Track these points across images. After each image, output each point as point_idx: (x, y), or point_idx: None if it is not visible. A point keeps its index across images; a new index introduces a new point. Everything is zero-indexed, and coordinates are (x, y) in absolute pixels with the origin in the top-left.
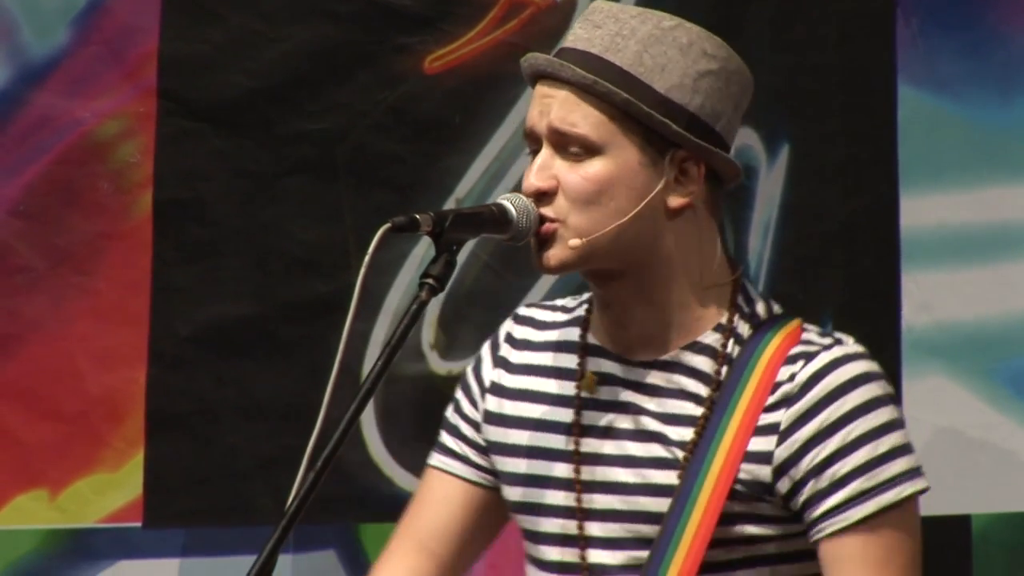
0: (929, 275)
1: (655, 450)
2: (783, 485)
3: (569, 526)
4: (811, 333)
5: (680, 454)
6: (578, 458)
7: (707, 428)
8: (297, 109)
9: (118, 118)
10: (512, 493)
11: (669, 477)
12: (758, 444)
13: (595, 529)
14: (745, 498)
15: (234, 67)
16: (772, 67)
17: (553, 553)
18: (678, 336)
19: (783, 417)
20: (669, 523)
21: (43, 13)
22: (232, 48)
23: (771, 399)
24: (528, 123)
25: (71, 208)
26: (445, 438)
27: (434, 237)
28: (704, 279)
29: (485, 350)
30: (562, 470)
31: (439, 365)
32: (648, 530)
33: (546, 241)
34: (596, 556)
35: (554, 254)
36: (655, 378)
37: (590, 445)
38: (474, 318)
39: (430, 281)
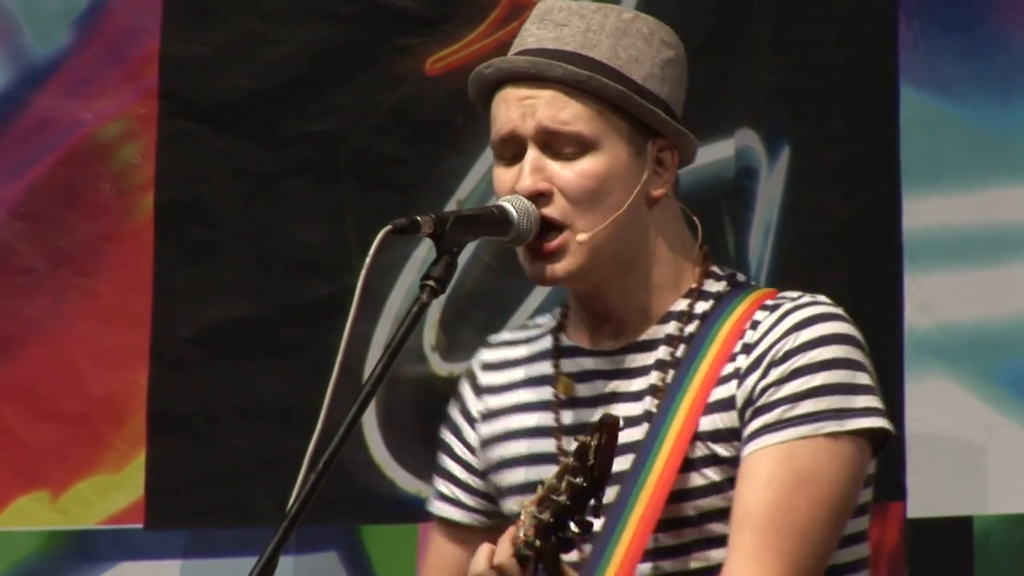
0: (931, 276)
1: (630, 434)
2: (742, 424)
3: None
4: (786, 292)
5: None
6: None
7: (670, 387)
8: (298, 110)
9: (119, 120)
10: (510, 504)
11: (634, 435)
12: (720, 393)
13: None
14: (705, 460)
15: (235, 68)
16: (773, 68)
17: None
18: (653, 313)
19: (744, 362)
20: (627, 483)
21: (44, 15)
22: (233, 49)
23: (736, 348)
24: (506, 127)
25: (72, 209)
26: (439, 483)
27: (435, 239)
28: (678, 260)
29: (464, 387)
30: (548, 473)
31: (440, 367)
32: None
33: (553, 252)
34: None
35: (564, 263)
36: (634, 360)
37: (570, 444)
38: (475, 319)
39: (431, 283)
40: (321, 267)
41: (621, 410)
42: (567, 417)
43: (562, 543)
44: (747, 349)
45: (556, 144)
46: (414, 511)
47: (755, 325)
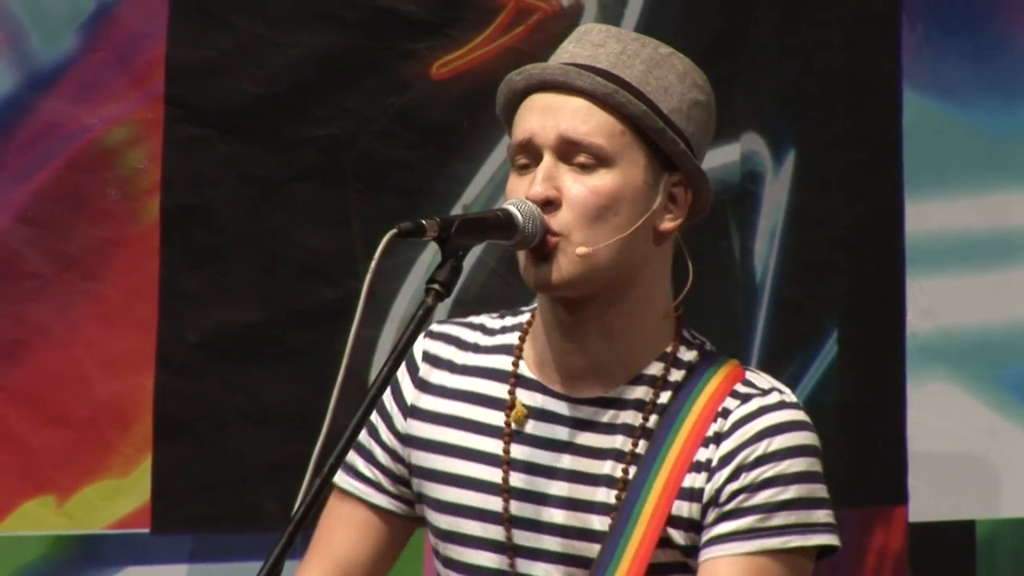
0: (934, 281)
1: (590, 492)
2: (704, 519)
3: (500, 561)
4: (752, 374)
5: (613, 495)
6: (507, 492)
7: (644, 460)
8: (304, 115)
9: (126, 124)
10: (439, 520)
11: (604, 523)
12: (692, 480)
13: (529, 567)
14: (674, 546)
15: (241, 73)
16: (777, 72)
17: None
18: (626, 368)
19: (715, 454)
20: (600, 565)
21: (51, 19)
22: (239, 54)
23: (708, 433)
24: (525, 133)
25: (79, 214)
26: (358, 463)
27: (440, 242)
28: (662, 310)
29: (402, 372)
30: (492, 503)
31: None
32: (576, 573)
33: (547, 255)
34: None
35: (557, 269)
36: (598, 415)
37: (520, 480)
38: None
39: (436, 287)
40: (327, 272)
41: (581, 464)
42: (517, 451)
43: None
44: (717, 439)
45: (573, 155)
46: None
47: (726, 414)
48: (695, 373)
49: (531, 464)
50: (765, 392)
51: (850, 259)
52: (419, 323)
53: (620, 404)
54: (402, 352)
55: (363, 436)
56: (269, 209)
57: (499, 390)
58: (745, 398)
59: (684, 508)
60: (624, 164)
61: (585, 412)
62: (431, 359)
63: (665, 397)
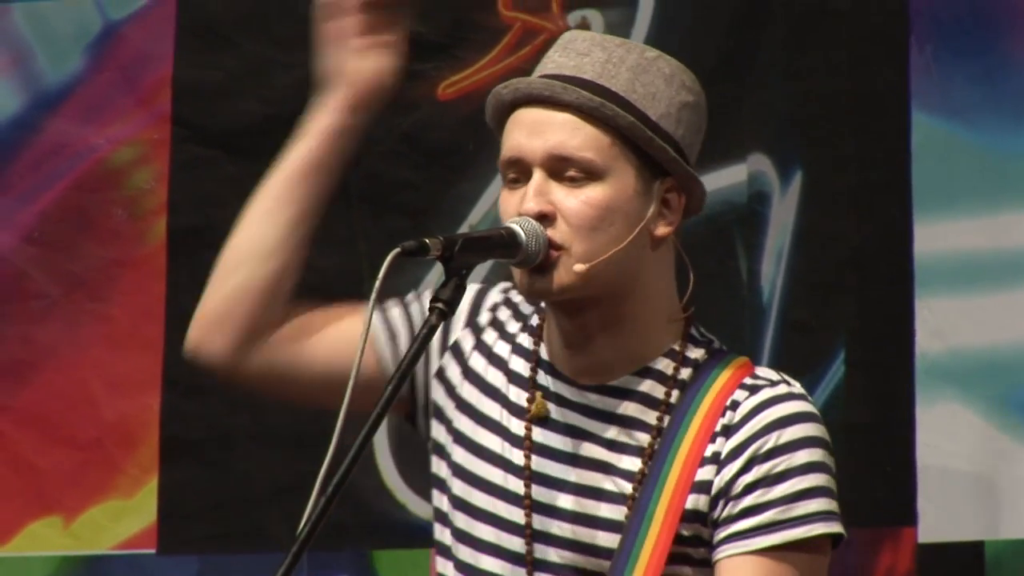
0: (942, 301)
1: (602, 481)
2: (713, 513)
3: (514, 542)
4: (761, 369)
5: (628, 487)
6: (529, 475)
7: (655, 458)
8: None
9: (132, 145)
10: (454, 485)
11: (616, 512)
12: (703, 474)
13: (544, 553)
14: (689, 539)
15: (248, 94)
16: (785, 93)
17: (491, 564)
18: (629, 363)
19: (724, 447)
20: (619, 560)
21: (58, 40)
22: (246, 75)
23: (717, 428)
24: (513, 151)
25: (85, 235)
26: (393, 312)
27: (444, 261)
28: (668, 311)
29: (463, 304)
30: (513, 483)
31: None
32: (591, 564)
33: (545, 268)
34: None
35: (557, 280)
36: (603, 404)
37: (539, 464)
38: None
39: (440, 305)
40: (333, 292)
41: (591, 451)
42: (536, 434)
43: None
44: (727, 432)
45: (563, 169)
46: (426, 536)
47: (735, 406)
48: (703, 370)
49: (546, 447)
50: (774, 383)
51: (858, 280)
52: (423, 342)
53: (626, 394)
54: (406, 371)
55: (410, 299)
56: None
57: (524, 368)
58: (753, 389)
59: (692, 501)
60: (614, 175)
61: (588, 398)
62: (494, 322)
63: (675, 396)
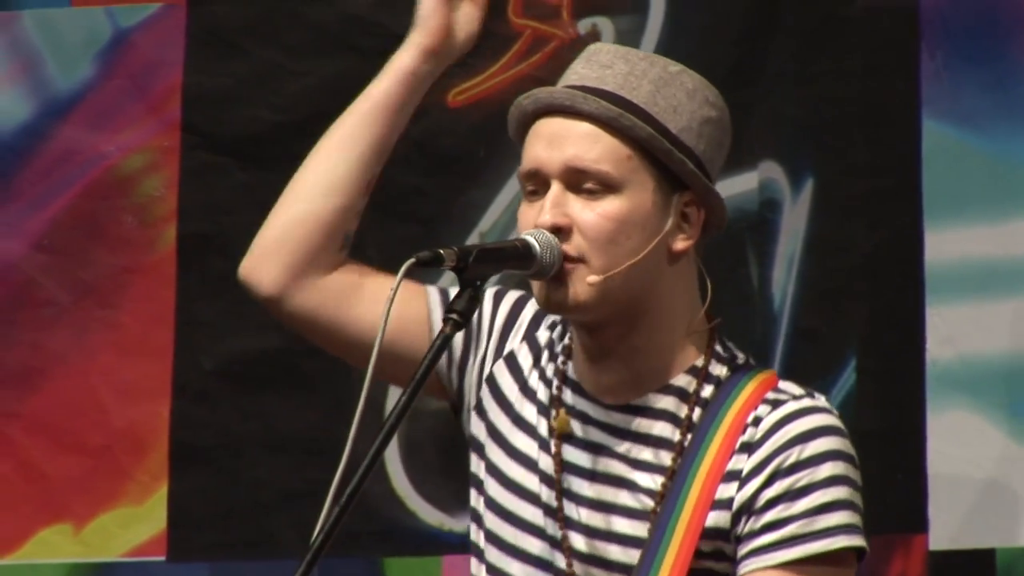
0: (953, 308)
1: (624, 498)
2: (736, 528)
3: (548, 552)
4: (785, 383)
5: (650, 503)
6: (559, 492)
7: (676, 476)
8: None
9: (142, 152)
10: (493, 490)
11: (637, 528)
12: (724, 491)
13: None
14: (707, 554)
15: (258, 101)
16: (796, 100)
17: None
18: (651, 380)
19: (746, 463)
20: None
21: (68, 47)
22: (256, 82)
23: (738, 443)
24: (532, 163)
25: (95, 242)
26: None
27: (458, 272)
28: (689, 326)
29: (527, 316)
30: (546, 495)
31: None
32: None
33: (561, 280)
34: None
35: (573, 293)
36: (626, 422)
37: (567, 481)
38: None
39: (454, 316)
40: None
41: (612, 467)
42: (564, 451)
43: None
44: (749, 449)
45: (581, 181)
46: (437, 543)
47: (757, 422)
48: (725, 387)
49: (572, 464)
50: (797, 397)
51: (869, 287)
52: (437, 352)
53: (647, 412)
54: (420, 381)
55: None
56: None
57: (554, 387)
58: (776, 404)
59: (714, 518)
60: (632, 188)
61: (612, 418)
62: (533, 341)
63: (697, 414)
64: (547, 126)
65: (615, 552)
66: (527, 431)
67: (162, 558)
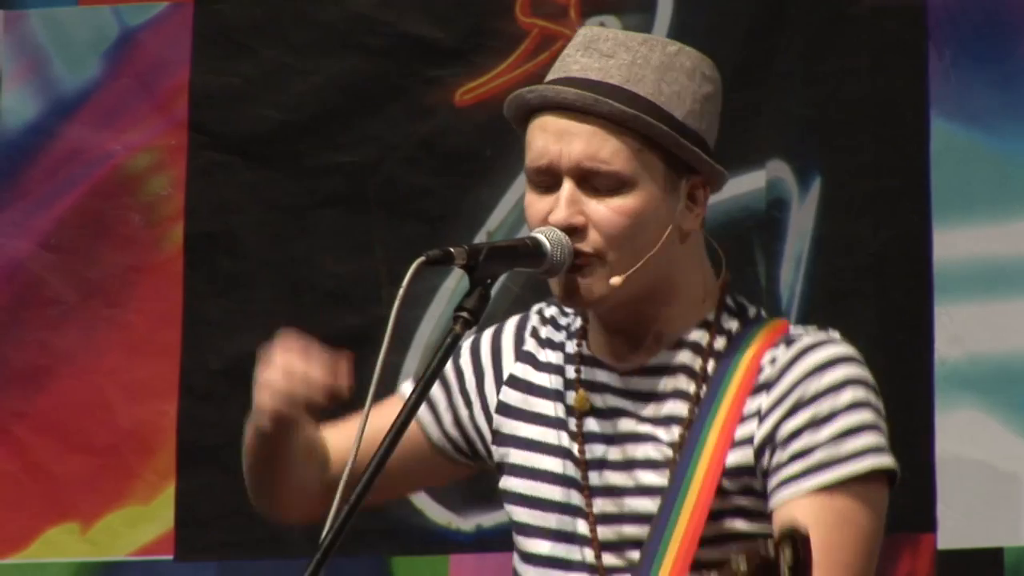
0: (961, 308)
1: (647, 451)
2: (762, 463)
3: (571, 524)
4: (798, 327)
5: (671, 454)
6: (584, 463)
7: (694, 425)
8: (328, 142)
9: (149, 151)
10: (516, 484)
11: (660, 479)
12: (743, 431)
13: (604, 533)
14: (733, 493)
15: (265, 100)
16: (804, 100)
17: (543, 547)
18: (667, 338)
19: (764, 401)
20: (659, 523)
21: (75, 46)
22: (263, 81)
23: (755, 385)
24: (542, 159)
25: (102, 241)
26: (438, 394)
27: (468, 270)
28: (699, 294)
29: (507, 341)
30: (571, 469)
31: None
32: (638, 531)
33: (580, 274)
34: (606, 559)
35: (593, 289)
36: (644, 384)
37: (591, 451)
38: None
39: (465, 314)
40: (351, 298)
41: (636, 427)
42: (586, 424)
43: None
44: (767, 387)
45: (592, 180)
46: (444, 542)
47: (773, 360)
48: (738, 338)
49: (596, 434)
50: (811, 334)
51: (877, 286)
52: (447, 351)
53: (665, 370)
54: (430, 381)
55: (449, 369)
56: (292, 236)
57: (571, 371)
58: (789, 341)
59: (734, 457)
60: (643, 182)
61: (628, 381)
62: (539, 339)
63: (711, 366)
64: (555, 123)
65: (640, 504)
66: (546, 423)
67: (169, 557)
